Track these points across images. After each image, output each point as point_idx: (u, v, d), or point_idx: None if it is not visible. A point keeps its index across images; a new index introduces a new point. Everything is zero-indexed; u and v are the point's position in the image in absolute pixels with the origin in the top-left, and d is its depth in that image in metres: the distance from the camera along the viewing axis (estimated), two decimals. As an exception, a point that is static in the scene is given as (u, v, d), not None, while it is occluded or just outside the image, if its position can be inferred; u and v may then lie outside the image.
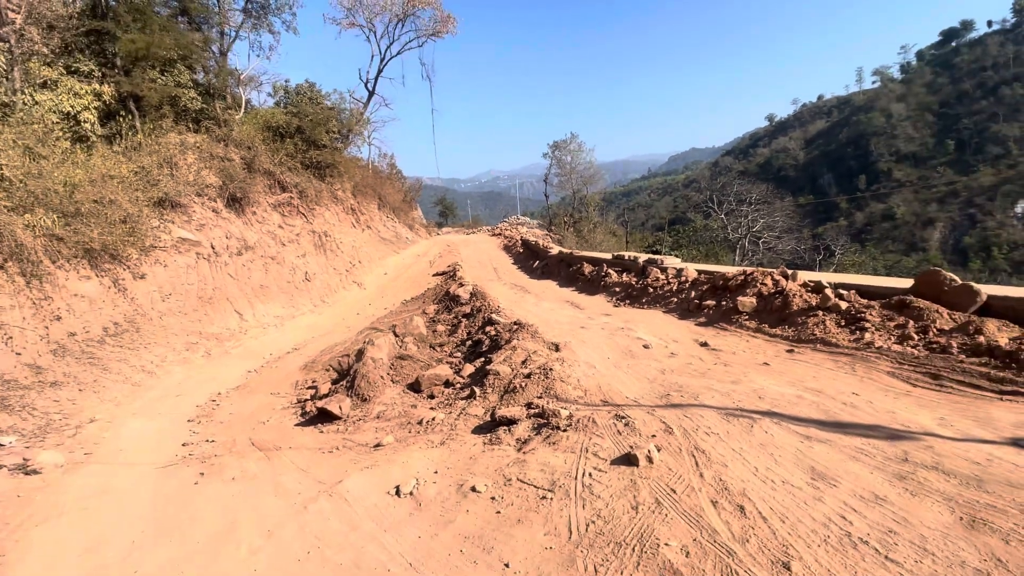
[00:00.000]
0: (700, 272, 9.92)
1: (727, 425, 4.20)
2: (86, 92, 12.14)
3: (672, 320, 8.52)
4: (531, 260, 19.43)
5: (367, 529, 3.54)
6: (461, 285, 12.21)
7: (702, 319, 8.18)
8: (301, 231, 16.22)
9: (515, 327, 7.53)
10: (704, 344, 6.82)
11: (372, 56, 27.68)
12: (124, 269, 9.50)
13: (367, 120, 27.37)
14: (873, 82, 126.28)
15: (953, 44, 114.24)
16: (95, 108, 12.26)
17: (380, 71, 27.80)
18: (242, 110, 18.03)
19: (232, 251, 12.62)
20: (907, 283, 6.73)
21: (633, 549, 2.86)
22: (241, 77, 19.16)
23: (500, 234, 31.31)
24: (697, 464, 3.63)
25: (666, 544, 2.86)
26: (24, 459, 5.06)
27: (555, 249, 19.07)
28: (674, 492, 3.33)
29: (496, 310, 9.19)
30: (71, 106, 11.66)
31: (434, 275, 17.60)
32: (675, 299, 9.46)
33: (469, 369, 6.76)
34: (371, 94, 27.87)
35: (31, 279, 7.67)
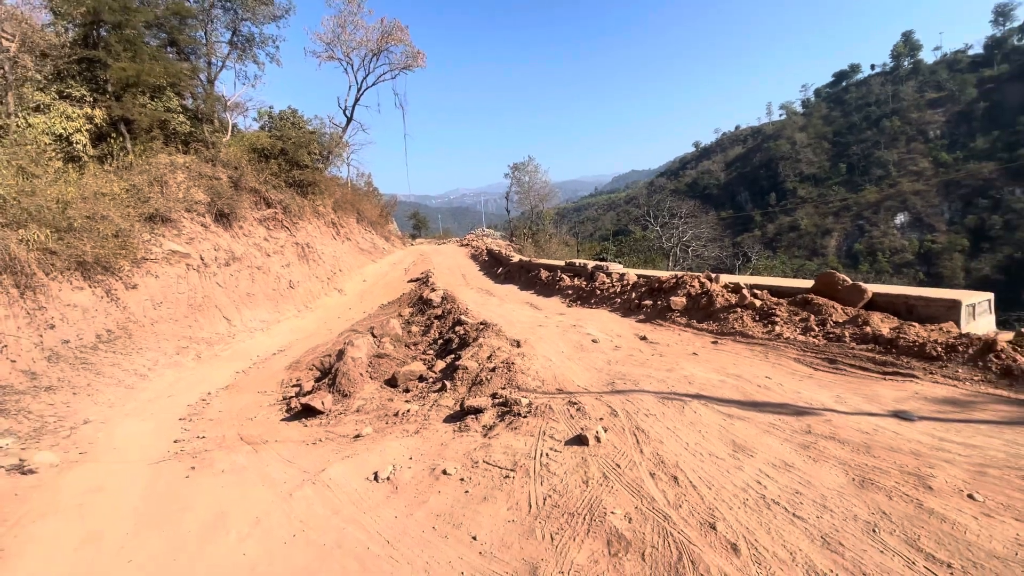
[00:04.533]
0: (639, 276, 10.16)
1: (663, 407, 4.31)
2: (78, 115, 11.39)
3: (616, 318, 8.68)
4: (495, 267, 19.43)
5: (348, 512, 3.45)
6: (433, 290, 12.08)
7: (641, 316, 8.37)
8: (285, 243, 15.70)
9: (481, 327, 7.51)
10: (643, 338, 6.98)
11: (350, 86, 27.03)
12: (116, 280, 8.95)
13: (346, 143, 26.80)
14: (780, 114, 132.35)
15: (844, 84, 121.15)
16: (87, 130, 11.52)
17: (357, 99, 27.28)
18: (229, 133, 17.33)
19: (220, 262, 12.09)
20: (809, 283, 7.09)
21: (584, 518, 2.90)
22: (228, 103, 18.43)
23: (468, 244, 31.17)
24: (638, 442, 3.71)
25: (612, 512, 2.90)
26: (20, 459, 4.70)
27: (516, 257, 19.12)
28: (618, 467, 3.39)
29: (464, 312, 9.15)
30: (63, 128, 10.91)
31: (409, 281, 17.36)
32: (619, 299, 9.64)
33: (441, 365, 6.70)
34: (349, 120, 27.31)
35: (25, 290, 7.13)
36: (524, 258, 18.48)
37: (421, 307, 11.02)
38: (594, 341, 6.93)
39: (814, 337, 5.77)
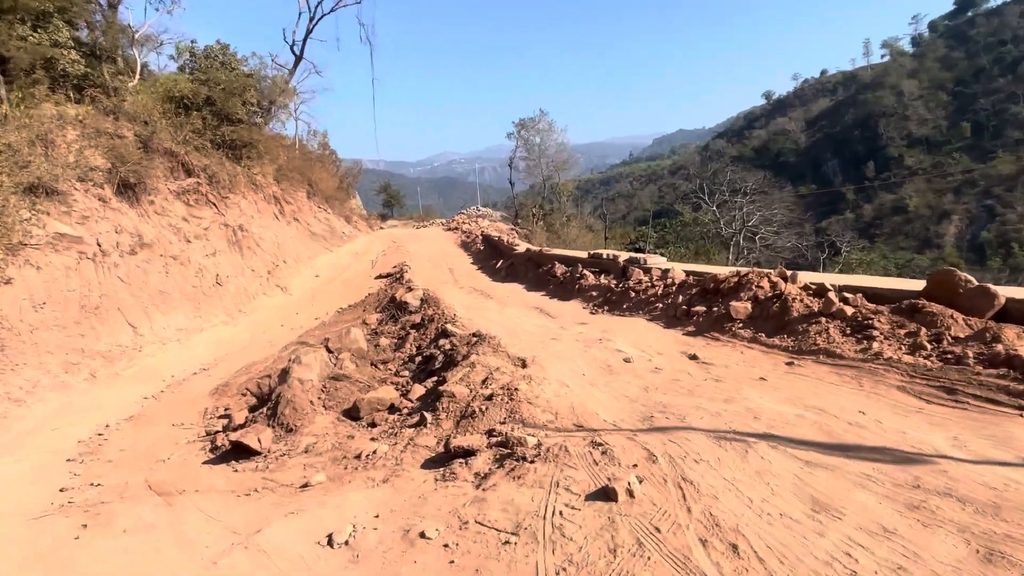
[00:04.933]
0: (688, 273, 10.17)
1: (719, 451, 4.30)
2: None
3: (656, 329, 8.69)
4: (494, 259, 19.49)
5: (292, 588, 3.46)
6: (410, 290, 12.12)
7: (691, 327, 8.37)
8: (211, 224, 15.76)
9: (474, 339, 7.52)
10: (693, 357, 6.98)
11: (300, 13, 27.22)
12: (-17, 272, 9.01)
13: (293, 90, 26.95)
14: (882, 56, 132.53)
15: (969, 14, 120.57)
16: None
17: (309, 32, 27.45)
18: (137, 76, 17.41)
19: (124, 250, 12.15)
20: (919, 285, 7.06)
21: (610, 600, 2.90)
22: (135, 36, 18.51)
23: (457, 228, 31.31)
24: (684, 497, 3.71)
25: (649, 592, 2.90)
26: None
27: (522, 246, 19.18)
28: (658, 531, 3.39)
29: (452, 319, 9.18)
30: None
31: (377, 277, 17.42)
32: (660, 305, 9.65)
33: (419, 391, 6.72)
34: (298, 59, 27.45)
35: None
36: (532, 247, 18.54)
37: (393, 312, 11.06)
38: (626, 361, 6.94)
39: (925, 358, 5.75)
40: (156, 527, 4.58)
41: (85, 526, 4.71)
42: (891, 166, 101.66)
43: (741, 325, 7.83)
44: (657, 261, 11.69)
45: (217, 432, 6.78)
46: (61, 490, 5.59)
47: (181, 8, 21.88)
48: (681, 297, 9.43)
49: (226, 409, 7.63)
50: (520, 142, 39.45)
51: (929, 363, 5.64)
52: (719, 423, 4.84)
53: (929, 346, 5.90)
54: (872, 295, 7.24)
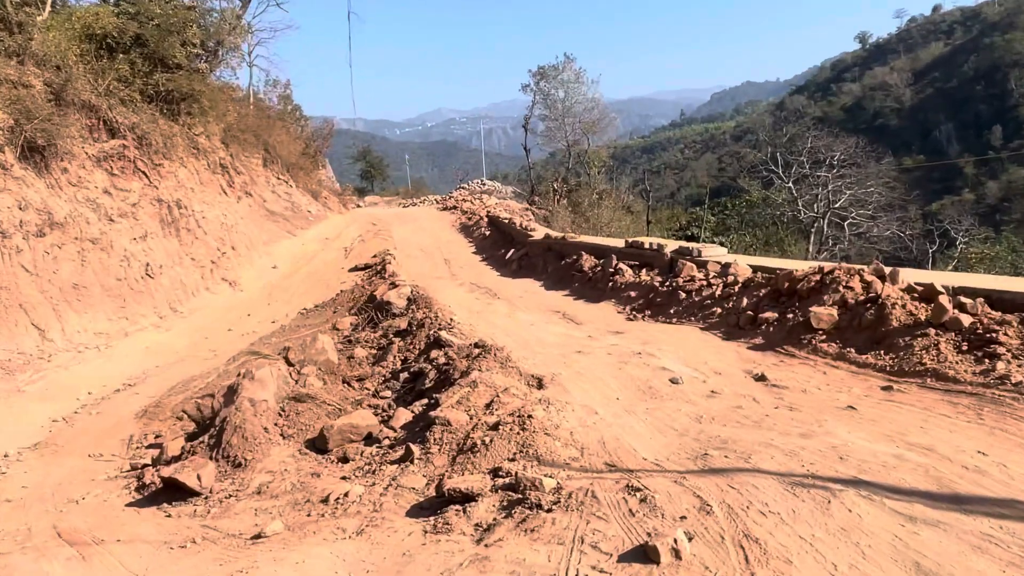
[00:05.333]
0: (756, 269, 10.12)
1: (793, 500, 4.27)
2: None
3: (713, 340, 8.65)
4: (503, 248, 19.49)
5: (239, 668, 3.49)
6: (394, 286, 12.16)
7: (758, 339, 8.32)
8: (140, 200, 15.89)
9: (476, 351, 7.53)
10: (761, 378, 6.94)
11: (256, -74, 27.28)
12: None
13: (247, 28, 27.05)
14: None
15: None
16: None
17: (268, -50, 27.52)
18: (47, 8, 17.57)
19: (30, 231, 12.28)
20: (1058, 287, 6.96)
21: None
22: (46, -45, 18.68)
23: (455, 207, 31.36)
24: (747, 560, 3.68)
25: None
26: None
27: (539, 231, 19.18)
28: (713, 604, 3.37)
29: (448, 325, 9.18)
30: None
31: (351, 270, 17.49)
32: (718, 309, 9.61)
33: (404, 416, 6.73)
34: (255, -14, 27.52)
35: None
36: (553, 233, 18.53)
37: (373, 315, 11.09)
38: (673, 382, 6.91)
39: (1066, 383, 5.68)
40: (67, 587, 4.63)
41: (-26, 588, 4.78)
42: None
43: (824, 337, 7.76)
44: (715, 253, 11.63)
45: (146, 466, 6.85)
46: (-56, 538, 5.67)
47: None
48: (745, 300, 9.37)
49: (157, 436, 7.71)
50: (539, 96, 39.14)
51: (1071, 390, 5.58)
52: (794, 465, 4.80)
53: (1072, 368, 5.83)
54: (997, 300, 7.15)
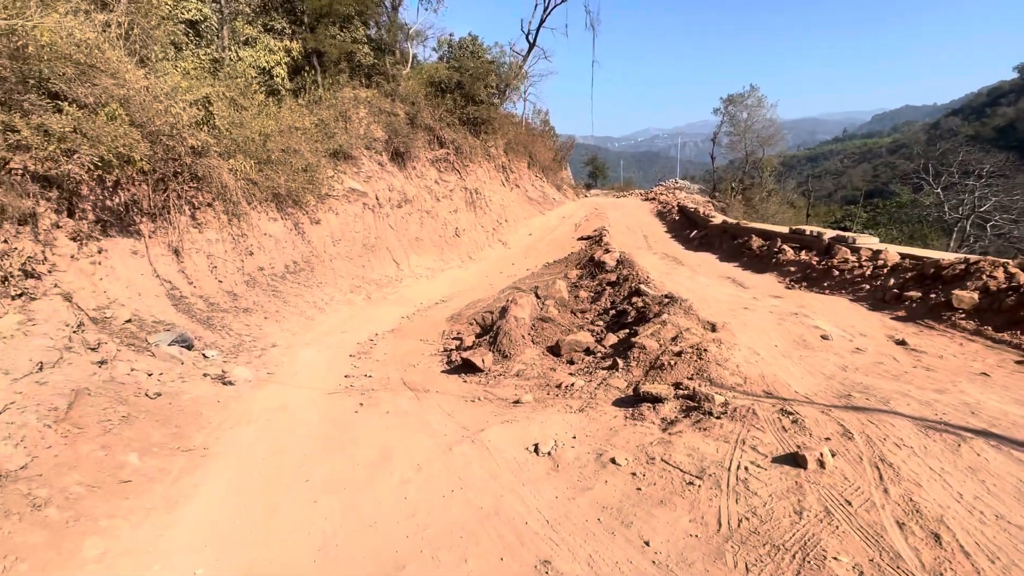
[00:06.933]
0: (904, 256, 8.58)
1: (925, 439, 3.66)
2: (279, 48, 13.98)
3: (860, 310, 7.54)
4: (687, 229, 18.43)
5: (506, 480, 3.79)
6: (607, 251, 12.05)
7: (900, 312, 7.11)
8: (455, 187, 17.23)
9: (666, 300, 7.27)
10: (901, 342, 5.94)
11: (536, 4, 27.60)
12: (303, 214, 10.99)
13: (525, 74, 27.69)
14: None
15: None
16: (285, 63, 14.10)
17: (543, 20, 27.76)
18: (408, 65, 19.37)
19: (393, 203, 13.87)
20: None
21: (794, 556, 2.68)
22: (410, 32, 20.50)
23: (654, 199, 30.08)
24: (882, 477, 3.24)
25: (835, 558, 2.63)
26: (223, 371, 6.24)
27: (717, 218, 17.81)
28: (849, 504, 3.03)
29: (645, 280, 8.95)
30: (266, 62, 13.54)
31: (579, 239, 17.60)
32: (867, 286, 8.33)
33: (612, 339, 6.74)
34: (531, 46, 28.04)
35: (232, 217, 9.24)
36: (729, 220, 17.12)
37: (591, 270, 11.12)
38: (824, 337, 6.17)
39: None
40: (408, 413, 5.32)
41: (362, 404, 5.65)
42: None
43: (963, 316, 6.43)
44: (867, 241, 10.01)
45: (452, 350, 7.56)
46: (345, 376, 6.74)
47: (444, 7, 23.70)
48: (892, 280, 8.02)
49: (458, 333, 8.44)
50: (726, 117, 35.94)
51: None
52: (928, 412, 4.09)
53: None
54: None
